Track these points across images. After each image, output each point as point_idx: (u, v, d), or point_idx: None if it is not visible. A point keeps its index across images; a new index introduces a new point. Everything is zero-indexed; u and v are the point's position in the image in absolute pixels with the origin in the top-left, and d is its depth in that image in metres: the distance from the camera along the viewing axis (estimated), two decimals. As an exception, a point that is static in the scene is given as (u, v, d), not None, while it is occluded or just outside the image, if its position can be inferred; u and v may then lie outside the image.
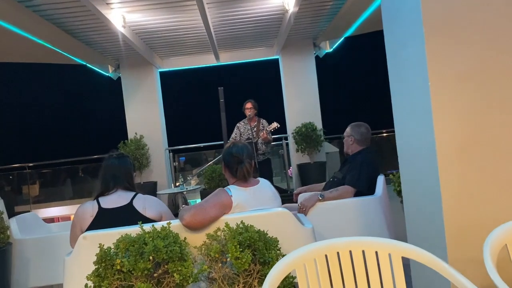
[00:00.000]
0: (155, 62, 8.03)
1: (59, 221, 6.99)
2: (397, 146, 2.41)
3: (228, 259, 1.98)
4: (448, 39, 1.91)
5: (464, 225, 1.93)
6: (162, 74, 8.75)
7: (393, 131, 2.43)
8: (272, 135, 6.38)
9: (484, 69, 1.92)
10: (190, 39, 7.19)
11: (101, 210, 2.48)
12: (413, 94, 2.11)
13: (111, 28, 5.61)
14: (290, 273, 1.67)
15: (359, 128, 3.65)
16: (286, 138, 8.37)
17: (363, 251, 1.64)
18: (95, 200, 2.53)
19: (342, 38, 8.32)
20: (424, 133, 2.02)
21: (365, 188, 3.38)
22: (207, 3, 5.40)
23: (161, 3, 5.35)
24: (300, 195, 3.56)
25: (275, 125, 6.07)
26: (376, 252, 1.63)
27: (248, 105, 6.27)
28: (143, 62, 7.85)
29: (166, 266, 1.95)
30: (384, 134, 9.60)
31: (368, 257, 1.63)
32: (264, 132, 5.98)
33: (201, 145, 9.79)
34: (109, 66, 8.37)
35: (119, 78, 8.41)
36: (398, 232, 3.11)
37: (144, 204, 2.53)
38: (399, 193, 3.23)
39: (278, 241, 2.10)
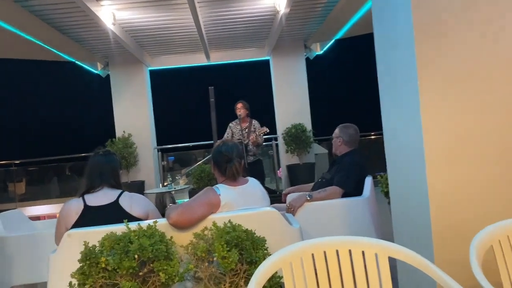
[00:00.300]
0: (145, 60, 7.98)
1: (45, 219, 6.89)
2: (385, 147, 2.42)
3: (215, 259, 1.96)
4: (438, 41, 1.92)
5: (451, 226, 1.94)
6: (152, 73, 8.70)
7: (382, 133, 2.43)
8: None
9: (473, 71, 1.93)
10: (181, 38, 7.15)
11: (86, 208, 2.45)
12: (402, 95, 2.11)
13: (100, 25, 5.56)
14: (276, 272, 1.66)
15: (348, 130, 3.66)
16: (276, 139, 8.38)
17: (349, 251, 1.64)
18: (81, 198, 2.49)
19: (333, 40, 8.36)
20: (412, 134, 2.02)
21: (353, 189, 3.39)
22: (198, 2, 5.38)
23: (152, 1, 5.32)
24: (288, 195, 3.56)
25: (264, 130, 6.06)
26: (363, 252, 1.63)
27: (239, 105, 6.24)
28: (132, 60, 7.79)
29: (151, 265, 1.93)
30: (373, 137, 9.64)
31: (355, 257, 1.63)
32: (254, 135, 5.95)
33: (191, 144, 9.74)
34: (98, 63, 8.29)
35: (108, 75, 8.33)
36: (385, 233, 3.12)
37: (130, 202, 2.50)
38: (386, 194, 3.24)
39: (265, 240, 2.09)
